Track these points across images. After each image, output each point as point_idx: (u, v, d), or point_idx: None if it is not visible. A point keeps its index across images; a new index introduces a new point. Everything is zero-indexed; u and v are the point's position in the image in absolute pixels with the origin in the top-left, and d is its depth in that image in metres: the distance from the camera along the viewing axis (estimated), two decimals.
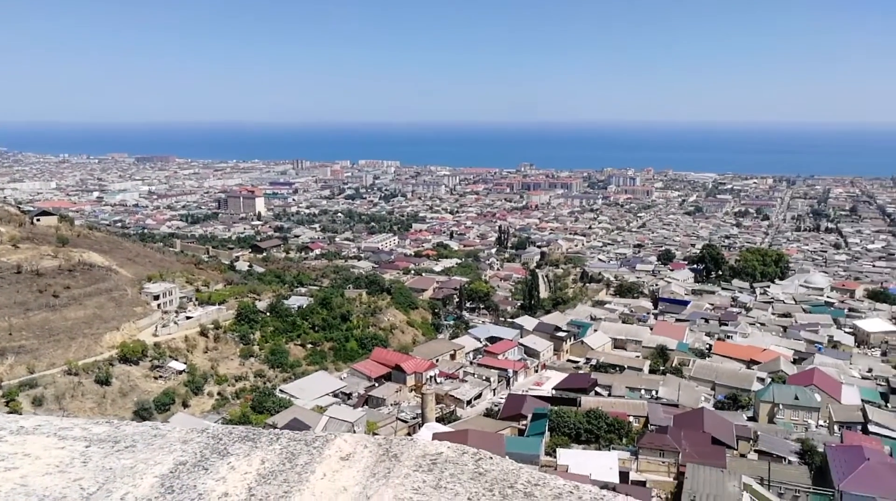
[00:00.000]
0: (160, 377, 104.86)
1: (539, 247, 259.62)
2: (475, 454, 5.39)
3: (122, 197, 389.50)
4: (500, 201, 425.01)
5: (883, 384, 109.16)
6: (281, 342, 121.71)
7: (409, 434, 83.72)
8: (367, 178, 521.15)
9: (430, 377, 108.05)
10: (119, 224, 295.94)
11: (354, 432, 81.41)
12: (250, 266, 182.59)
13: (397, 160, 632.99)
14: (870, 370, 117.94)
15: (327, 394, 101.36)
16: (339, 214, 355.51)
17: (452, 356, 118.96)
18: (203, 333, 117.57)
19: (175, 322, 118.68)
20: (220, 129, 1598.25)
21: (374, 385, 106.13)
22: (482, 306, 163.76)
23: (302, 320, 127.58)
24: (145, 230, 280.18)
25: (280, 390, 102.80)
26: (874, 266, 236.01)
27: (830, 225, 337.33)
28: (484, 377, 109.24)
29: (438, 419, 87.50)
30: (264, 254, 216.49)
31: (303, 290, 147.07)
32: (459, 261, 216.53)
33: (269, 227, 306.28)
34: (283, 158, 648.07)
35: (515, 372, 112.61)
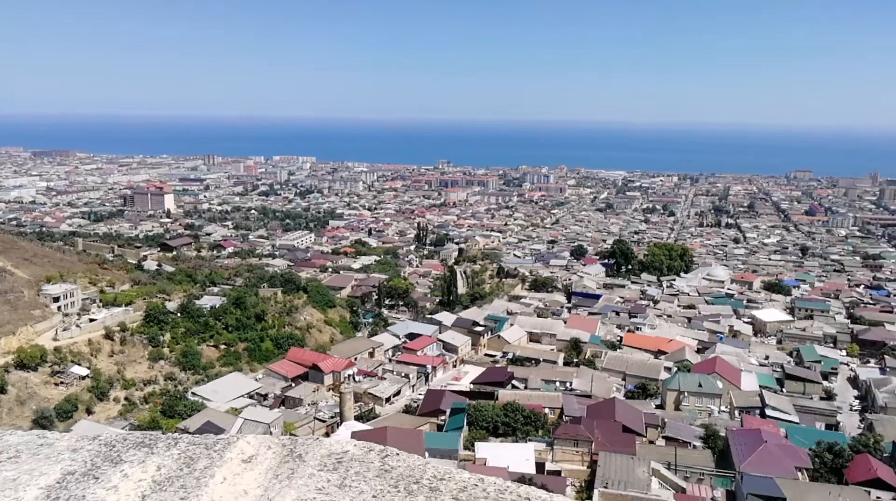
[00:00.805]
0: (61, 383, 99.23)
1: (457, 244, 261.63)
2: (382, 451, 5.34)
3: (18, 194, 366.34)
4: (419, 197, 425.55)
5: (778, 370, 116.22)
6: (193, 343, 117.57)
7: (327, 434, 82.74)
8: (282, 174, 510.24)
9: (349, 375, 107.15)
10: (14, 223, 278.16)
11: (271, 433, 79.73)
12: (159, 266, 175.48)
13: (313, 156, 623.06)
14: (766, 358, 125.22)
15: (242, 396, 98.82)
16: (253, 211, 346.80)
17: (371, 354, 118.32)
18: (108, 336, 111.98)
19: (77, 325, 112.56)
20: (125, 122, 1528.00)
21: (290, 386, 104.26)
22: (401, 304, 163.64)
23: (215, 320, 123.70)
24: (43, 229, 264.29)
25: (192, 393, 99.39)
26: (770, 259, 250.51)
27: (730, 221, 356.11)
28: (403, 374, 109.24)
29: (357, 418, 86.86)
30: (174, 253, 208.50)
31: (215, 289, 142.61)
32: (378, 258, 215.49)
33: (180, 224, 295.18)
34: (194, 153, 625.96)
35: (434, 368, 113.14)
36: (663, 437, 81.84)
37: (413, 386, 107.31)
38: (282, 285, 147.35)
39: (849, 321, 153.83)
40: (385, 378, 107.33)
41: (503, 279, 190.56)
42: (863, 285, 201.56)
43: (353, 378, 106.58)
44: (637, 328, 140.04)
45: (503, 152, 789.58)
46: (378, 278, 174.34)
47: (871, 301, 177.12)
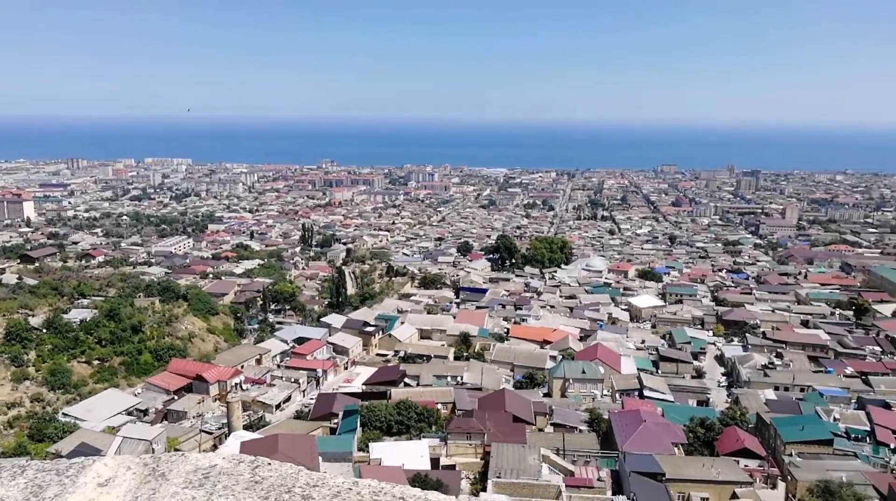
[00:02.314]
0: None
1: (344, 244, 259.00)
2: (252, 462, 5.14)
3: None
4: (303, 198, 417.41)
5: (654, 353, 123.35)
6: (62, 360, 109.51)
7: (214, 446, 79.64)
8: (156, 177, 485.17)
9: (236, 384, 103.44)
10: None
11: (153, 451, 75.68)
12: (20, 279, 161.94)
13: (189, 158, 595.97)
14: (643, 342, 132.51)
15: (120, 413, 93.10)
16: (125, 216, 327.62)
17: (258, 361, 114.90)
18: None
19: None
20: None
21: (173, 398, 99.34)
22: (288, 307, 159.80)
23: (86, 334, 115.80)
24: None
25: (63, 413, 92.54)
26: (642, 249, 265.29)
27: (605, 213, 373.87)
28: (293, 380, 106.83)
29: (246, 427, 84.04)
30: (36, 264, 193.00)
31: (85, 302, 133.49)
32: (262, 262, 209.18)
33: (42, 234, 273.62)
34: (56, 157, 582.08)
35: (325, 371, 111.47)
36: (552, 424, 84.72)
37: (304, 391, 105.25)
38: (160, 294, 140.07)
39: (714, 303, 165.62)
40: (274, 385, 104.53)
41: (393, 278, 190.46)
42: (725, 270, 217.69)
43: (241, 387, 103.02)
44: (523, 320, 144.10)
45: (387, 151, 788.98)
46: (263, 283, 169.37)
47: (732, 284, 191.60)
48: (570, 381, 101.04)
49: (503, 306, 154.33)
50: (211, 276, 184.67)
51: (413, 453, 68.91)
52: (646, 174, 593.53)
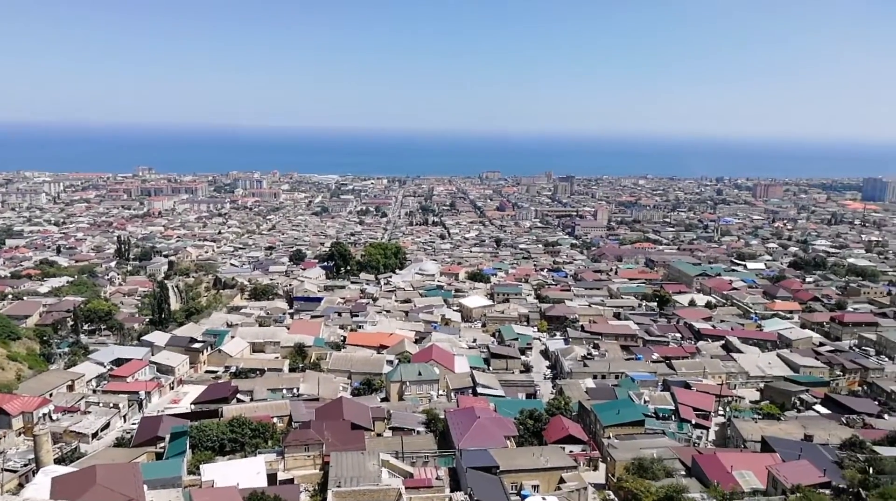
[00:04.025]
0: None
1: (166, 256, 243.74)
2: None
3: None
4: (118, 208, 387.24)
5: (485, 351, 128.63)
6: None
7: (20, 485, 71.64)
8: None
9: (44, 414, 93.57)
10: None
11: None
12: None
13: None
14: (474, 341, 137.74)
15: None
16: None
17: (70, 387, 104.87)
18: None
19: None
20: None
21: None
22: (104, 327, 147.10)
23: None
24: None
25: None
26: (471, 252, 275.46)
27: (436, 219, 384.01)
28: (111, 405, 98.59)
29: (58, 461, 76.45)
30: None
31: None
32: (72, 279, 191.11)
33: None
34: None
35: (149, 393, 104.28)
36: (390, 428, 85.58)
37: (125, 416, 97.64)
38: None
39: (537, 301, 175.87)
40: (90, 412, 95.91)
41: (221, 291, 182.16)
42: (546, 269, 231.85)
43: (50, 417, 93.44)
44: (359, 327, 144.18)
45: (211, 158, 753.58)
46: (73, 302, 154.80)
47: (553, 282, 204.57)
48: (407, 384, 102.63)
49: (339, 314, 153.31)
50: (10, 297, 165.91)
51: (248, 471, 66.52)
52: (472, 181, 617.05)
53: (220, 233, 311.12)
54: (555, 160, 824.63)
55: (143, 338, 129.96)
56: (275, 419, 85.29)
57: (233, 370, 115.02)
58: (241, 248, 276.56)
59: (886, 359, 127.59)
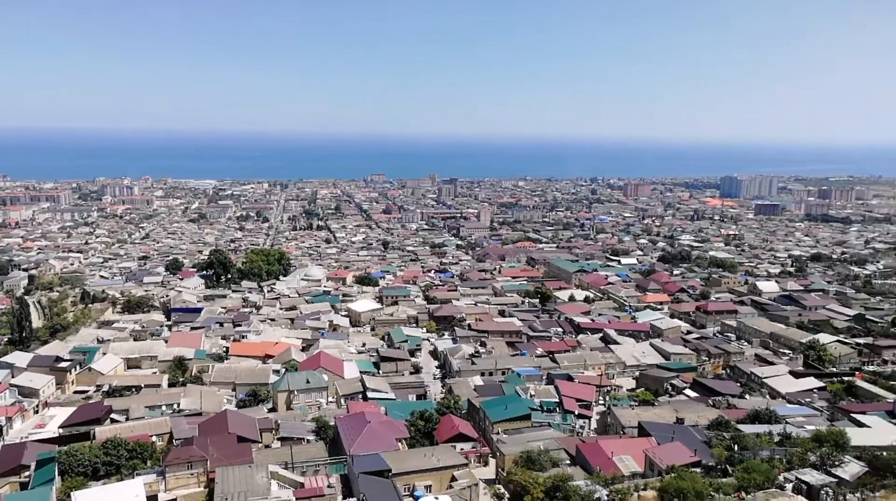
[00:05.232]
0: None
1: (26, 270, 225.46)
2: None
3: None
4: None
5: (374, 354, 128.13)
6: None
7: None
8: None
9: None
10: None
11: None
12: None
13: None
14: (363, 345, 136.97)
15: None
16: None
17: None
18: None
19: None
20: None
21: None
22: None
23: None
24: None
25: None
26: (358, 255, 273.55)
27: (321, 223, 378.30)
28: None
29: None
30: None
31: None
32: None
33: None
34: None
35: (9, 419, 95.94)
36: (279, 439, 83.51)
37: None
38: None
39: (426, 302, 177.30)
40: None
41: (89, 305, 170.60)
42: (433, 270, 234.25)
43: None
44: (243, 337, 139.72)
45: (75, 164, 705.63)
46: None
47: (440, 283, 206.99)
48: (295, 393, 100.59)
49: (221, 325, 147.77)
50: None
51: (125, 494, 62.66)
52: (357, 184, 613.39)
53: (87, 243, 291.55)
54: (439, 163, 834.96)
55: (2, 359, 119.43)
56: (154, 438, 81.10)
57: (105, 388, 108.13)
58: (111, 258, 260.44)
59: (745, 343, 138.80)
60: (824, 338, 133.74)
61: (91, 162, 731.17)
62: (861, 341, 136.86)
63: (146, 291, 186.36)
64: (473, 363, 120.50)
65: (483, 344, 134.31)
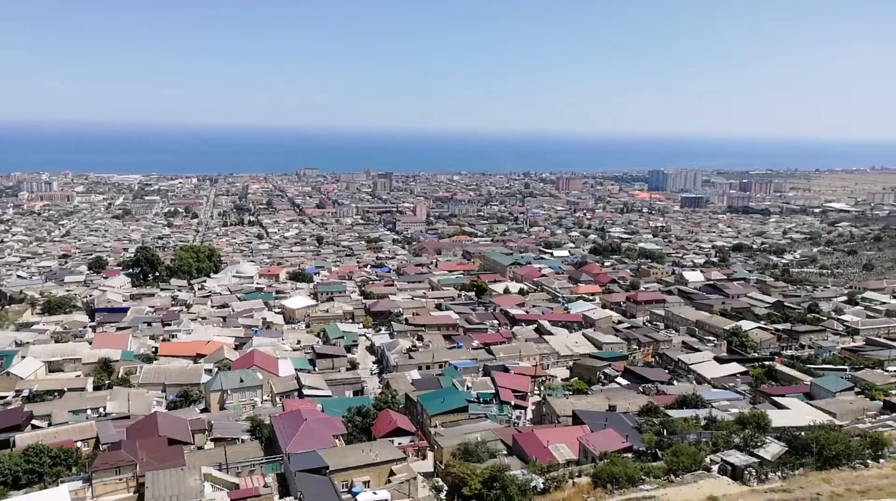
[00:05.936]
0: None
1: None
2: None
3: None
4: None
5: (310, 351, 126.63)
6: None
7: None
8: None
9: None
10: None
11: None
12: None
13: None
14: (299, 342, 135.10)
15: None
16: None
17: None
18: None
19: None
20: None
21: None
22: None
23: None
24: None
25: None
26: (292, 251, 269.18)
27: (252, 218, 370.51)
28: None
29: None
30: None
31: None
32: None
33: None
34: None
35: None
36: (212, 439, 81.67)
37: None
38: None
39: (362, 297, 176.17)
40: None
41: (6, 306, 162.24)
42: (369, 265, 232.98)
43: None
44: (173, 336, 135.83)
45: None
46: None
47: (377, 278, 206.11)
48: (229, 392, 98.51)
49: (149, 324, 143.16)
50: None
51: None
52: (289, 178, 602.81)
53: (2, 242, 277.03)
54: (373, 156, 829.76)
55: None
56: (79, 444, 78.11)
57: (25, 393, 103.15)
58: (29, 257, 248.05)
59: (673, 332, 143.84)
60: (746, 325, 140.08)
61: (4, 156, 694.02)
62: (780, 327, 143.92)
63: (68, 291, 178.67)
64: (411, 357, 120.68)
65: (420, 338, 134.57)
